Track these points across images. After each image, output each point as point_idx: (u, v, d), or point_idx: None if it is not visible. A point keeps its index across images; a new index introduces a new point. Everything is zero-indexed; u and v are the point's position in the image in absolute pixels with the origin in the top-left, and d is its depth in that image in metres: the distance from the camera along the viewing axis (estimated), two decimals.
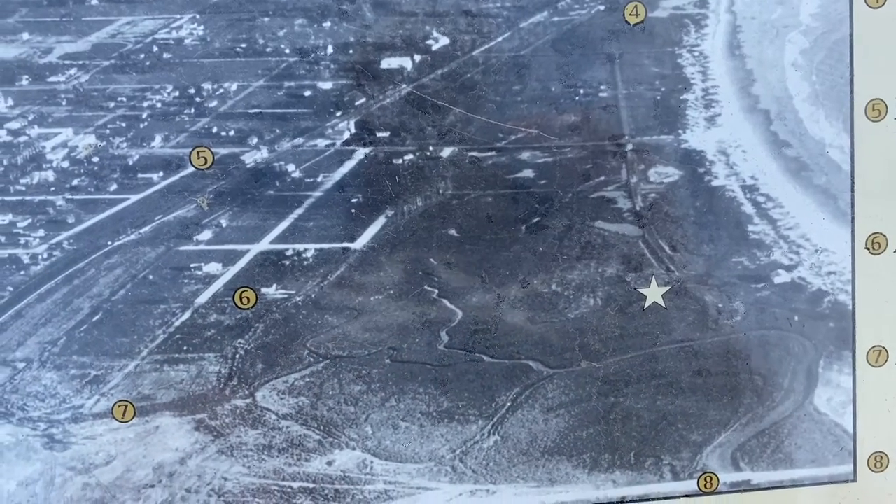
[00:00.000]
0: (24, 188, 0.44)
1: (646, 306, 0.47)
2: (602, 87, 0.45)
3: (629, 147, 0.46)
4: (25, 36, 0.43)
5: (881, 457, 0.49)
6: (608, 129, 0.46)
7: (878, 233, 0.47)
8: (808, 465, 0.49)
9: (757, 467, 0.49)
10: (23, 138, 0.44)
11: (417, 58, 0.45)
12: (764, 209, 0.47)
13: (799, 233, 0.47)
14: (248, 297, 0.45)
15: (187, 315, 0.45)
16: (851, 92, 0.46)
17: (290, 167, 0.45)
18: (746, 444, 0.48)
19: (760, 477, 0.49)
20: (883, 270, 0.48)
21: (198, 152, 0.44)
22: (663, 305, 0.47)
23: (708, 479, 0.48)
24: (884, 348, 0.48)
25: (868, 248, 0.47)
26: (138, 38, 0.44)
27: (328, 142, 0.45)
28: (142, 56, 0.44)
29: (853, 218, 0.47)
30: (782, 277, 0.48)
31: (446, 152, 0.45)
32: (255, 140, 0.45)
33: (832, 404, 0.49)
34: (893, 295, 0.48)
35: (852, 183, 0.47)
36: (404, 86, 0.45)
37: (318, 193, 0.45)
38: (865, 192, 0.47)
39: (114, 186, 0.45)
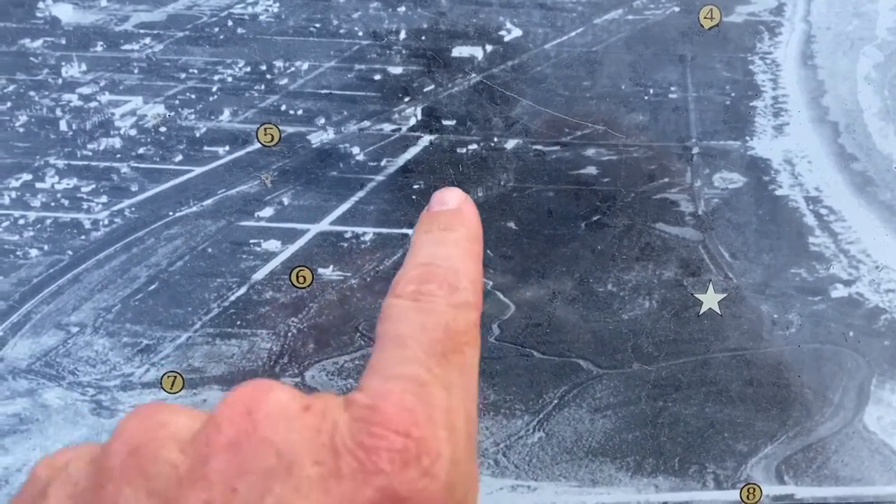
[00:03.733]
0: (90, 153, 0.44)
1: (701, 312, 0.47)
2: (672, 89, 0.45)
3: (695, 150, 0.45)
4: (103, 3, 0.44)
5: None
6: (676, 131, 0.45)
7: None
8: (854, 483, 0.48)
9: (801, 482, 0.48)
10: (93, 104, 0.44)
11: (489, 48, 0.45)
12: (826, 222, 0.46)
13: (860, 248, 0.47)
14: (304, 277, 0.45)
15: (243, 290, 0.45)
16: None
17: (355, 150, 0.45)
18: (792, 458, 0.48)
19: (804, 492, 0.48)
20: None
21: (265, 129, 0.45)
22: (719, 312, 0.47)
23: (751, 491, 0.48)
24: None
25: None
26: (214, 11, 0.44)
27: (394, 127, 0.45)
28: (216, 29, 0.44)
29: None
30: (840, 292, 0.47)
31: (511, 144, 0.45)
32: (322, 121, 0.45)
33: (882, 423, 0.48)
34: None
35: None
36: (474, 75, 0.45)
37: (380, 178, 0.45)
38: None
39: (179, 157, 0.45)
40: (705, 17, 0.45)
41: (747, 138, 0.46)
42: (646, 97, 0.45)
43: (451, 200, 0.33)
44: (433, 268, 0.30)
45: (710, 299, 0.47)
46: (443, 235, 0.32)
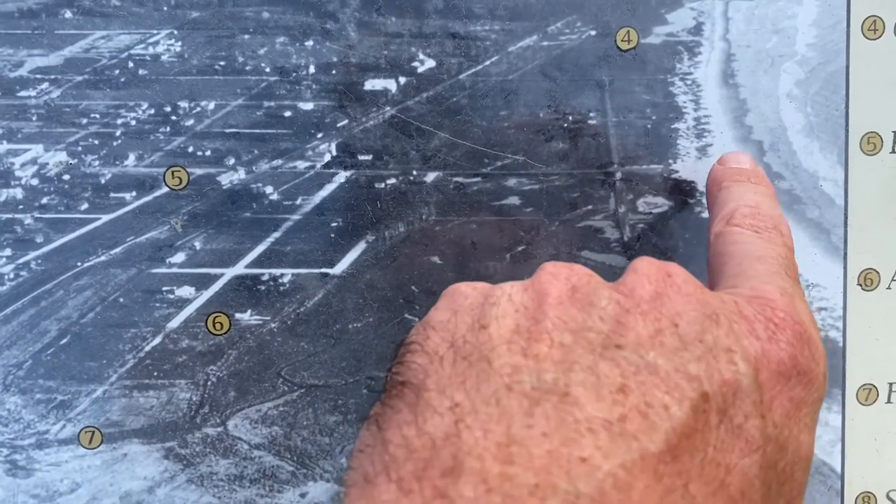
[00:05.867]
0: None
1: None
2: (591, 115, 0.44)
3: (618, 176, 0.45)
4: None
5: (869, 497, 0.48)
6: (597, 158, 0.44)
7: (870, 268, 0.46)
8: None
9: None
10: None
11: (402, 80, 0.43)
12: None
13: None
14: (221, 323, 0.44)
15: (158, 340, 0.44)
16: (846, 124, 0.45)
17: (268, 189, 0.44)
18: None
19: None
20: (875, 307, 0.46)
21: (172, 172, 0.43)
22: None
23: None
24: (874, 386, 0.47)
25: (860, 285, 0.46)
26: (113, 53, 0.42)
27: (308, 164, 0.44)
28: (116, 72, 0.42)
29: (846, 253, 0.46)
30: None
31: (430, 177, 0.44)
32: (232, 161, 0.43)
33: (820, 443, 0.47)
34: (885, 332, 0.47)
35: (845, 217, 0.46)
36: (388, 108, 0.43)
37: (296, 217, 0.44)
38: (858, 227, 0.46)
39: (85, 206, 0.43)
40: (622, 40, 0.44)
41: (670, 161, 0.45)
42: (564, 124, 0.44)
43: (746, 161, 0.40)
44: (762, 210, 0.35)
45: None
46: (755, 187, 0.38)
